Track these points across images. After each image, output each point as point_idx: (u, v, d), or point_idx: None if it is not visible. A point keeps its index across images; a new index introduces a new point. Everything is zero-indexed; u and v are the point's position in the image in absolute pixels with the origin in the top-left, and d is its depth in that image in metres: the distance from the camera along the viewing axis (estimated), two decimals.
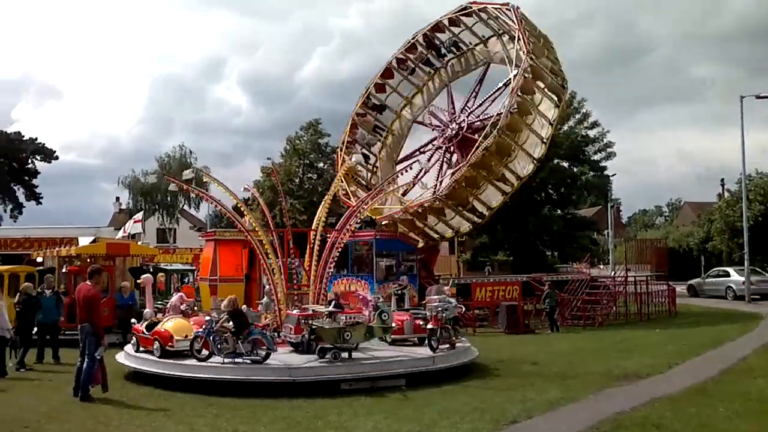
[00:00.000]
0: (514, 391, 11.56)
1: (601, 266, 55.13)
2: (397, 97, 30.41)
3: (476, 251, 43.68)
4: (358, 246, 24.88)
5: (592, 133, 38.27)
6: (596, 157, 38.49)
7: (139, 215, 33.51)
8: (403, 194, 26.57)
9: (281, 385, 11.48)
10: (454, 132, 27.32)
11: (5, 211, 74.86)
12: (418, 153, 29.15)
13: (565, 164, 38.03)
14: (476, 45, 28.40)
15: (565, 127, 36.70)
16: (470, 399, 10.93)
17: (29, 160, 75.70)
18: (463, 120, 27.43)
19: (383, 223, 26.23)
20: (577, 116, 38.06)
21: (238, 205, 17.28)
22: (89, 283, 11.66)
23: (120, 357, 13.72)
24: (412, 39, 28.93)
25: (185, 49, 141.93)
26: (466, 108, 28.16)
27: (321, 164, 49.69)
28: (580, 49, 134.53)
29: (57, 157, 78.26)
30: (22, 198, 75.24)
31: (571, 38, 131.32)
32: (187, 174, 18.36)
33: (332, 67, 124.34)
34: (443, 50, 29.21)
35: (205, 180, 20.61)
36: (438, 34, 28.67)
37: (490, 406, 10.31)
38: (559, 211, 38.92)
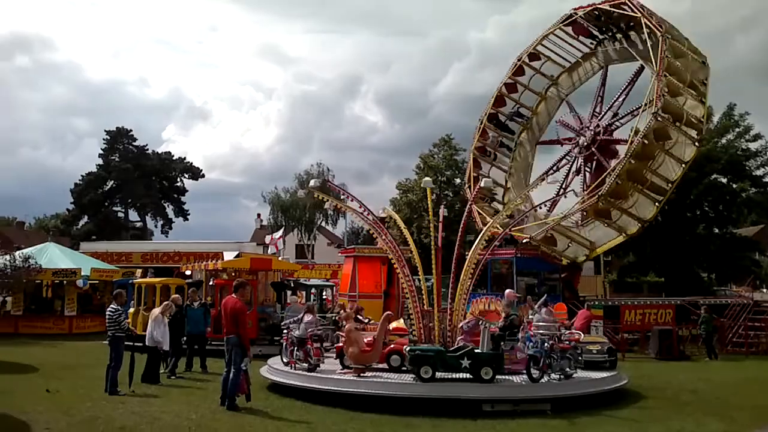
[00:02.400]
0: (670, 421, 11.03)
1: (765, 290, 51.39)
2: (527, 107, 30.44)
3: (623, 271, 42.00)
4: (498, 264, 24.66)
5: (753, 146, 35.87)
6: (759, 173, 36.03)
7: (280, 232, 34.89)
8: (550, 209, 26.13)
9: (420, 401, 11.54)
10: (589, 139, 26.75)
11: (156, 226, 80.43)
12: (552, 171, 28.70)
13: (723, 180, 35.89)
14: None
15: (723, 141, 34.70)
16: (621, 427, 10.55)
17: (178, 179, 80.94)
18: (597, 125, 26.88)
19: (524, 241, 25.87)
20: (738, 129, 35.85)
21: (385, 217, 17.53)
22: (235, 296, 12.27)
23: (263, 369, 14.28)
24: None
25: (323, 68, 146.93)
26: (595, 114, 27.65)
27: (457, 180, 49.73)
28: (740, 55, 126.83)
29: (203, 175, 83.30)
30: (171, 214, 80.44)
31: (730, 44, 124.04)
32: (314, 183, 18.87)
33: (468, 81, 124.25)
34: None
35: (342, 197, 21.13)
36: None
37: None
38: (716, 230, 36.73)
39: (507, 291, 16.53)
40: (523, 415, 11.28)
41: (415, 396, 11.69)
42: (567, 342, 13.38)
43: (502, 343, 12.65)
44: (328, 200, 17.53)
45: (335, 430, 10.23)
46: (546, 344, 12.48)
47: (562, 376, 12.63)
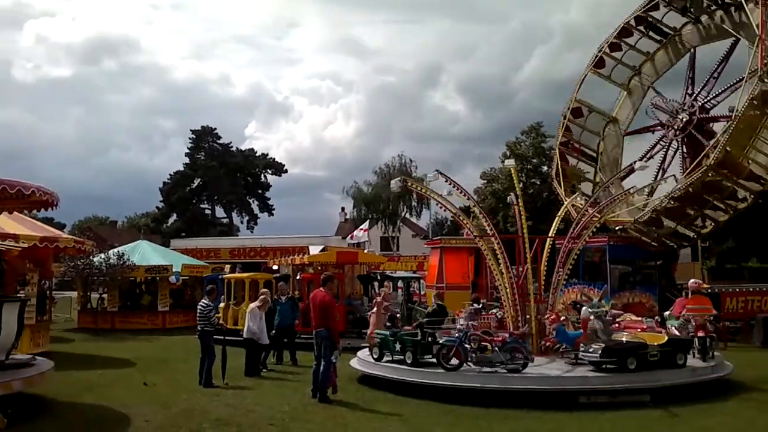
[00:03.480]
0: None
1: None
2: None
3: (722, 257, 40.34)
4: (590, 253, 24.09)
5: None
6: None
7: (366, 224, 35.18)
8: (650, 194, 25.22)
9: (514, 394, 11.40)
10: (685, 120, 25.77)
11: (242, 222, 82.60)
12: (645, 158, 27.76)
13: None
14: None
15: None
16: (730, 418, 10.13)
17: (262, 175, 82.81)
18: (692, 105, 25.84)
19: (617, 228, 25.18)
20: None
21: (471, 208, 17.40)
22: (323, 290, 12.39)
23: (354, 362, 14.39)
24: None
25: (403, 59, 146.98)
26: (688, 94, 26.61)
27: (545, 168, 48.89)
28: None
29: (286, 171, 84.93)
30: (256, 210, 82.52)
31: None
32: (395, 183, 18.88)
33: (553, 65, 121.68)
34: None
35: (423, 190, 21.09)
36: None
37: (756, 428, 9.43)
38: None
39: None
40: (622, 407, 10.97)
41: (510, 389, 11.54)
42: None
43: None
44: (418, 188, 17.53)
45: (429, 423, 10.20)
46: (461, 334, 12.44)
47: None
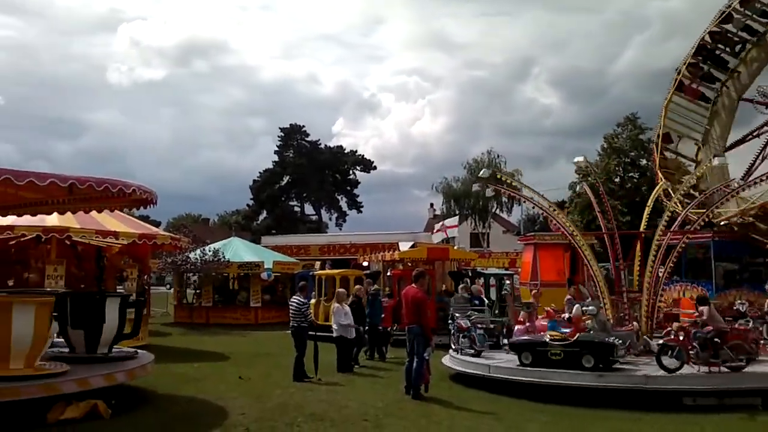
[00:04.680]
0: None
1: None
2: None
3: None
4: (693, 249, 23.20)
5: None
6: None
7: (455, 220, 34.95)
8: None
9: (613, 393, 11.18)
10: None
11: (330, 219, 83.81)
12: (750, 137, 26.44)
13: None
14: None
15: None
16: None
17: (350, 172, 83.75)
18: None
19: (722, 223, 24.16)
20: None
21: (564, 203, 17.20)
22: (415, 286, 12.45)
23: (446, 359, 14.40)
24: None
25: (492, 52, 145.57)
26: None
27: (643, 161, 47.48)
28: None
29: (375, 167, 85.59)
30: (345, 207, 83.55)
31: None
32: (484, 173, 18.75)
33: (650, 55, 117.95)
34: None
35: (515, 184, 20.88)
36: None
37: None
38: None
39: None
40: (730, 410, 10.55)
41: (609, 387, 11.31)
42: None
43: None
44: (499, 190, 17.37)
45: (522, 421, 10.11)
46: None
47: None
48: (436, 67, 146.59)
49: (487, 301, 19.03)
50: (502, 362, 12.92)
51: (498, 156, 57.62)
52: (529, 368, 12.27)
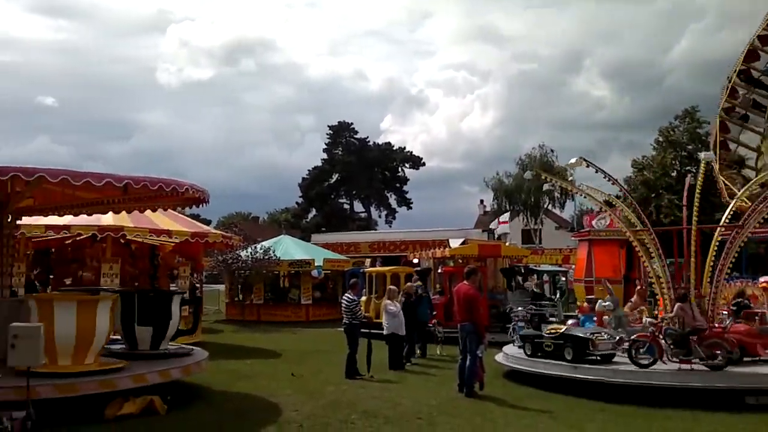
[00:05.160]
0: None
1: None
2: None
3: None
4: (754, 244, 22.64)
5: None
6: None
7: (506, 216, 34.83)
8: None
9: (672, 391, 10.97)
10: None
11: (380, 216, 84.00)
12: None
13: None
14: None
15: None
16: None
17: (399, 168, 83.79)
18: None
19: None
20: None
21: (610, 200, 16.90)
22: (467, 283, 12.37)
23: (499, 356, 14.30)
24: None
25: (543, 45, 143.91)
26: None
27: (701, 154, 46.38)
28: None
29: (423, 164, 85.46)
30: (394, 204, 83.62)
31: None
32: (527, 175, 18.56)
33: (706, 45, 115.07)
34: None
35: (570, 178, 20.65)
36: None
37: None
38: None
39: None
40: None
41: (666, 385, 11.09)
42: None
43: None
44: (555, 182, 17.14)
45: (581, 420, 9.96)
46: None
47: None
48: (485, 60, 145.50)
49: (556, 297, 18.88)
50: (558, 360, 12.73)
51: (551, 151, 57.02)
52: (586, 366, 12.12)
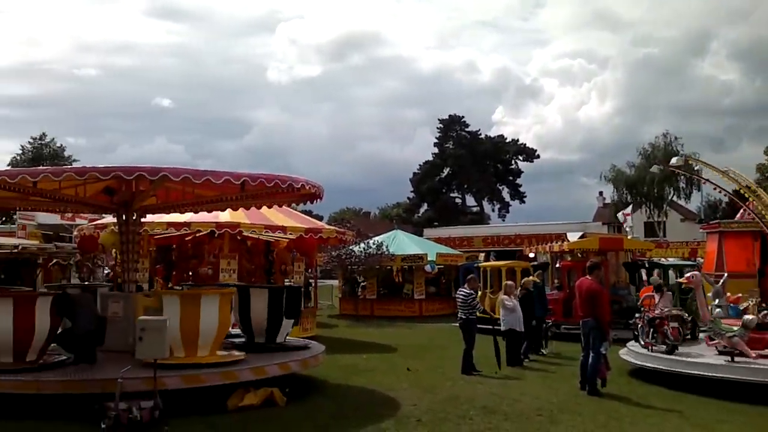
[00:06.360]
0: None
1: None
2: None
3: None
4: None
5: None
6: None
7: (628, 208, 33.86)
8: None
9: None
10: None
11: (493, 210, 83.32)
12: None
13: None
14: None
15: None
16: None
17: (512, 161, 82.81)
18: None
19: None
20: None
21: (741, 191, 16.17)
22: (590, 278, 12.14)
23: (623, 353, 13.94)
24: None
25: (664, 27, 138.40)
26: None
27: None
28: None
29: (538, 156, 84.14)
30: (507, 197, 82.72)
31: None
32: (677, 161, 17.95)
33: None
34: None
35: (696, 168, 19.84)
36: None
37: None
38: None
39: None
40: None
41: None
42: None
43: None
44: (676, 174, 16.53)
45: (713, 421, 9.62)
46: None
47: None
48: (602, 47, 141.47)
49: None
50: (697, 358, 12.29)
51: (675, 138, 54.84)
52: (701, 362, 11.83)
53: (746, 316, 12.23)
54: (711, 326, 12.30)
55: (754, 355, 11.50)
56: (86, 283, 19.28)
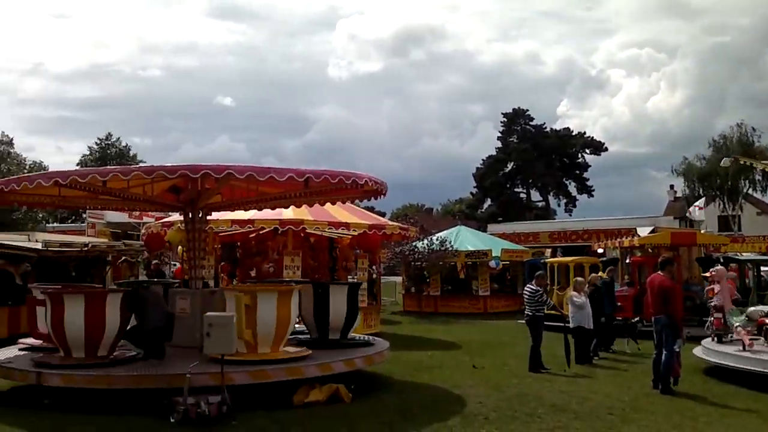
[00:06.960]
0: None
1: None
2: None
3: None
4: None
5: None
6: None
7: (701, 202, 33.05)
8: None
9: None
10: None
11: (559, 205, 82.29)
12: None
13: None
14: None
15: None
16: None
17: (579, 155, 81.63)
18: None
19: None
20: None
21: None
22: (662, 274, 11.88)
23: (697, 351, 13.61)
24: None
25: (737, 14, 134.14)
26: None
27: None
28: None
29: (605, 149, 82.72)
30: (574, 191, 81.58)
31: None
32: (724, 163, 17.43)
33: None
34: None
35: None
36: None
37: None
38: None
39: None
40: None
41: None
42: None
43: None
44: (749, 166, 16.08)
45: None
46: None
47: None
48: (672, 36, 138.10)
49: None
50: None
51: (753, 130, 53.04)
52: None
53: (751, 308, 13.01)
54: (726, 317, 12.99)
55: (749, 342, 12.18)
56: (157, 280, 19.75)
